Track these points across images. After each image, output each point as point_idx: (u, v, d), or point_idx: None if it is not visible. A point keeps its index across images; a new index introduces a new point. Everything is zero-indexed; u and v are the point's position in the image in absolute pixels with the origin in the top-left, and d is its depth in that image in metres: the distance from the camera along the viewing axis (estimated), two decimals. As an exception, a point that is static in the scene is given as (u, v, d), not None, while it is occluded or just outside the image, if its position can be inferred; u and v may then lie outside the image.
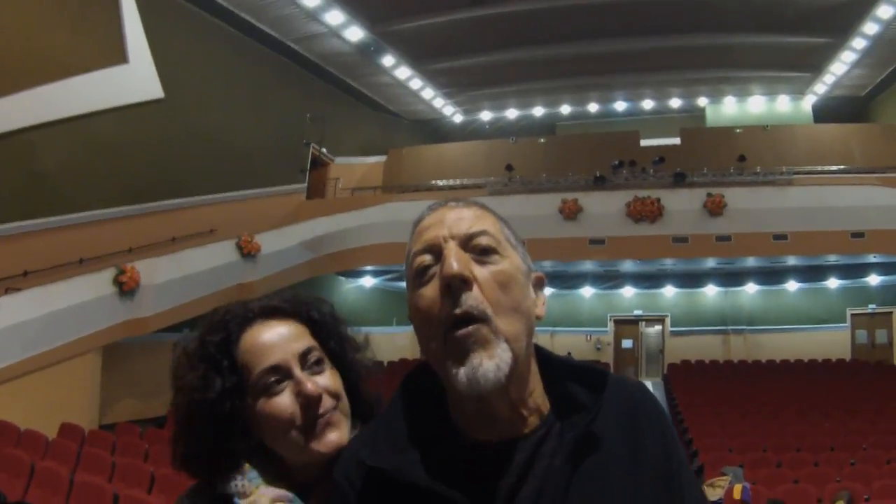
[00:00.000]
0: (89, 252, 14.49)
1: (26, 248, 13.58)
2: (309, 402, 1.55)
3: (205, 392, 1.54)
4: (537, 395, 1.34)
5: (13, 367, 11.56)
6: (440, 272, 1.25)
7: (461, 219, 1.32)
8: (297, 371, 1.58)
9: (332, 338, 1.70)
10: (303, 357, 1.60)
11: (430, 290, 1.26)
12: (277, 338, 1.60)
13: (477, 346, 1.21)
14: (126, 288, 13.86)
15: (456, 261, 1.23)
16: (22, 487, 7.73)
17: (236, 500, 1.52)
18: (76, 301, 12.97)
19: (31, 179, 13.95)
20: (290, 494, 1.55)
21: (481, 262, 1.27)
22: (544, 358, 1.39)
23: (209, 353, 1.58)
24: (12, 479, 7.88)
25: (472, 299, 1.22)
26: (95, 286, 13.46)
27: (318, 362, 1.63)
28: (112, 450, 10.10)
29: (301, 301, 1.72)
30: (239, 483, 1.54)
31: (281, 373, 1.57)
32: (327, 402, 1.58)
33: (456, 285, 1.22)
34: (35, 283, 12.81)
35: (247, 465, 1.56)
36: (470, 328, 1.21)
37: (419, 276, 1.29)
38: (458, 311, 1.21)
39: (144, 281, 14.24)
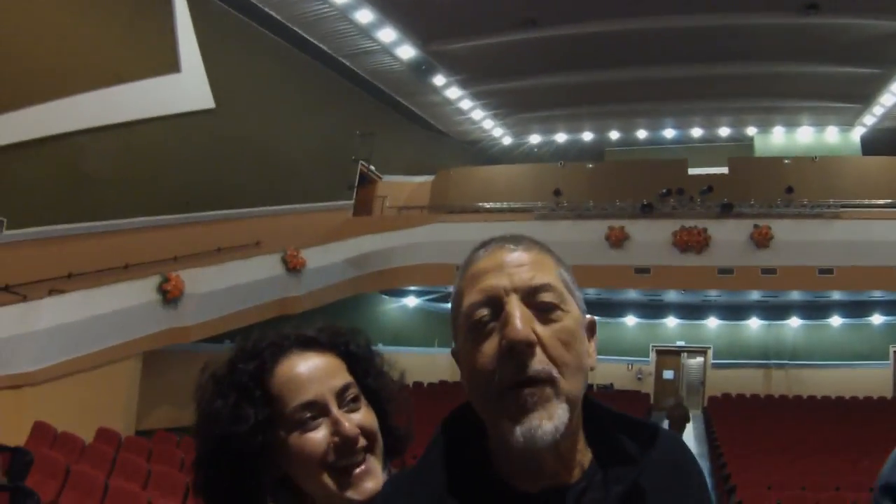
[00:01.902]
0: (134, 258, 14.59)
1: (72, 251, 13.73)
2: (345, 442, 1.50)
3: (235, 424, 1.50)
4: (582, 446, 1.29)
5: (53, 369, 11.69)
6: (504, 333, 1.17)
7: (521, 266, 1.24)
8: (335, 409, 1.52)
9: (370, 374, 1.65)
10: (340, 394, 1.55)
11: (490, 348, 1.19)
12: (315, 372, 1.55)
13: (538, 407, 1.15)
14: (170, 296, 13.97)
15: (521, 322, 1.16)
16: (56, 489, 7.75)
17: None
18: (119, 306, 13.11)
19: (80, 183, 14.12)
20: None
21: (544, 320, 1.20)
22: (589, 405, 1.32)
23: (241, 382, 1.54)
24: (47, 479, 7.92)
25: (538, 363, 1.16)
26: (139, 293, 13.60)
27: (355, 399, 1.58)
28: (148, 457, 10.11)
29: (338, 333, 1.67)
30: None
31: (317, 409, 1.51)
32: (362, 441, 1.53)
33: (521, 350, 1.15)
34: (79, 287, 12.95)
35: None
36: (535, 388, 1.15)
37: (476, 330, 1.21)
38: (523, 376, 1.15)
39: (188, 290, 14.35)
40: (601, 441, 1.30)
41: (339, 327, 1.70)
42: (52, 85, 13.41)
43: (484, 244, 1.31)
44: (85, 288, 12.89)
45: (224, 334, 14.89)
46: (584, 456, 1.28)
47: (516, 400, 1.15)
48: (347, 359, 1.63)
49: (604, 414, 1.32)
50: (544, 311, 1.20)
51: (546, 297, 1.21)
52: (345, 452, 1.50)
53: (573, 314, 1.24)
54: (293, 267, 16.90)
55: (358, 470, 1.51)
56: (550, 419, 1.14)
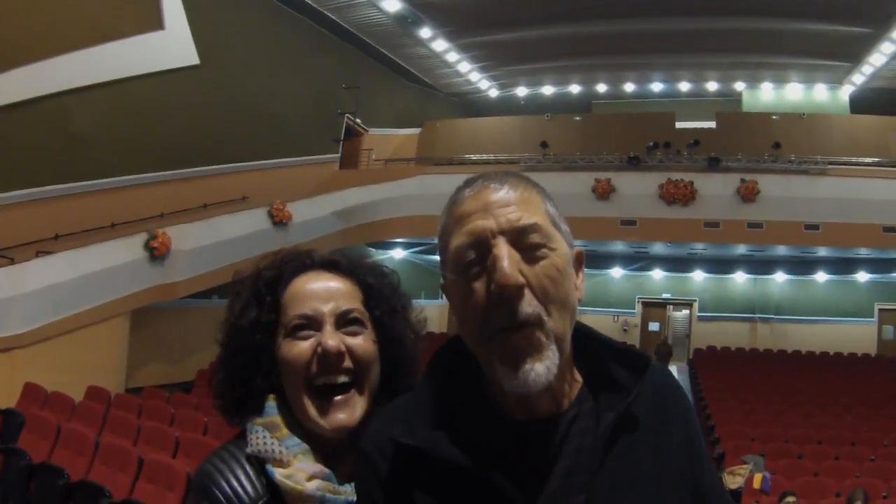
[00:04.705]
0: (121, 216, 14.54)
1: (58, 212, 13.67)
2: (326, 356, 1.51)
3: (239, 319, 1.59)
4: (571, 377, 1.32)
5: (42, 330, 11.73)
6: (493, 277, 1.18)
7: (508, 206, 1.24)
8: (328, 326, 1.55)
9: (381, 308, 1.65)
10: (341, 316, 1.57)
11: (479, 289, 1.20)
12: (322, 290, 1.59)
13: (530, 351, 1.18)
14: (157, 253, 13.98)
15: (509, 266, 1.17)
16: (48, 448, 7.84)
17: (268, 467, 1.48)
18: (107, 265, 13.11)
19: (65, 143, 14.02)
20: (326, 471, 1.50)
21: (532, 259, 1.21)
22: (582, 335, 1.36)
23: (257, 287, 1.61)
24: (39, 440, 7.99)
25: (527, 306, 1.18)
26: (126, 250, 13.60)
27: (356, 323, 1.59)
28: (138, 413, 10.21)
29: (361, 263, 1.71)
30: (270, 444, 1.50)
31: (312, 322, 1.55)
32: (347, 363, 1.54)
33: (510, 294, 1.17)
34: (66, 247, 12.95)
35: (285, 431, 1.53)
36: (525, 332, 1.18)
37: (464, 271, 1.23)
38: (514, 321, 1.17)
39: (175, 246, 14.36)
40: (593, 369, 1.34)
41: (365, 258, 1.74)
42: (35, 46, 13.25)
43: (469, 182, 1.33)
44: (72, 248, 12.90)
45: (212, 289, 14.93)
46: (575, 385, 1.32)
47: (507, 343, 1.18)
48: (364, 289, 1.65)
49: (596, 343, 1.37)
50: (531, 251, 1.21)
51: (533, 237, 1.22)
52: (325, 368, 1.52)
53: (560, 251, 1.25)
54: (279, 220, 16.90)
55: (337, 398, 1.53)
56: (542, 361, 1.17)
